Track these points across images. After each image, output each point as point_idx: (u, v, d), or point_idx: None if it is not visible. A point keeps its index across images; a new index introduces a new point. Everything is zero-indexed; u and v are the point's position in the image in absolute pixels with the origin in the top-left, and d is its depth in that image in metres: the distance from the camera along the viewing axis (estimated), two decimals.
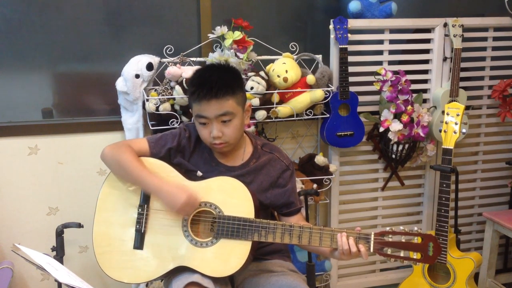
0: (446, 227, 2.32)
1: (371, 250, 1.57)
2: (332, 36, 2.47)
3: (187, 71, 2.21)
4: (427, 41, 2.67)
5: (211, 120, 1.66)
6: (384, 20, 2.55)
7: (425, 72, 2.70)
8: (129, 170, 1.68)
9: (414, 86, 2.58)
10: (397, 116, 2.49)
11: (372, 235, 1.58)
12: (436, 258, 1.56)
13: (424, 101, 2.69)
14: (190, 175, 1.77)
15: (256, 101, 2.26)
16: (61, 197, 2.42)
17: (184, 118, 2.26)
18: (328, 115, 2.50)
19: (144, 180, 1.67)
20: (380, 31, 2.58)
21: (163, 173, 1.73)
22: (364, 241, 1.58)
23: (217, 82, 1.64)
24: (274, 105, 2.35)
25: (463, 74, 2.60)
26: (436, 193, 2.49)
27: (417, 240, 1.56)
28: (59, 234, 2.10)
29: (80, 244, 2.47)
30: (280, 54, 2.42)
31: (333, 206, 2.71)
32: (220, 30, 2.30)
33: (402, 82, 2.48)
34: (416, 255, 1.57)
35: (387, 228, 1.59)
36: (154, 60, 2.29)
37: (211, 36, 2.34)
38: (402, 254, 1.58)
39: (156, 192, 1.66)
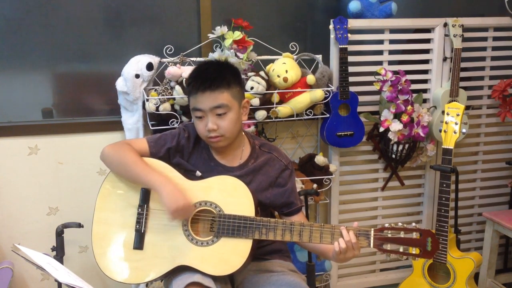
0: (446, 227, 2.32)
1: (371, 246, 1.59)
2: (332, 36, 2.47)
3: (187, 71, 2.21)
4: (427, 41, 2.67)
5: (206, 112, 1.68)
6: (384, 20, 2.55)
7: (425, 72, 2.70)
8: (132, 166, 1.67)
9: (414, 86, 2.58)
10: (397, 116, 2.49)
11: (372, 231, 1.59)
12: (435, 253, 1.58)
13: (424, 101, 2.69)
14: (189, 174, 1.77)
15: (256, 101, 2.26)
16: (61, 197, 2.42)
17: (184, 118, 2.26)
18: (328, 115, 2.50)
19: (147, 175, 1.65)
20: (380, 31, 2.59)
21: (162, 173, 1.72)
22: (364, 237, 1.59)
23: (212, 74, 1.67)
24: (274, 105, 2.35)
25: (463, 74, 2.61)
26: (436, 193, 2.49)
27: (415, 235, 1.57)
28: (59, 234, 2.10)
29: (80, 244, 2.47)
30: (280, 54, 2.42)
31: (333, 206, 2.71)
32: (220, 30, 2.30)
33: (402, 82, 2.47)
34: (415, 251, 1.59)
35: (386, 224, 1.61)
36: (154, 60, 2.29)
37: (211, 36, 2.34)
38: (401, 249, 1.59)
39: (159, 187, 1.63)
